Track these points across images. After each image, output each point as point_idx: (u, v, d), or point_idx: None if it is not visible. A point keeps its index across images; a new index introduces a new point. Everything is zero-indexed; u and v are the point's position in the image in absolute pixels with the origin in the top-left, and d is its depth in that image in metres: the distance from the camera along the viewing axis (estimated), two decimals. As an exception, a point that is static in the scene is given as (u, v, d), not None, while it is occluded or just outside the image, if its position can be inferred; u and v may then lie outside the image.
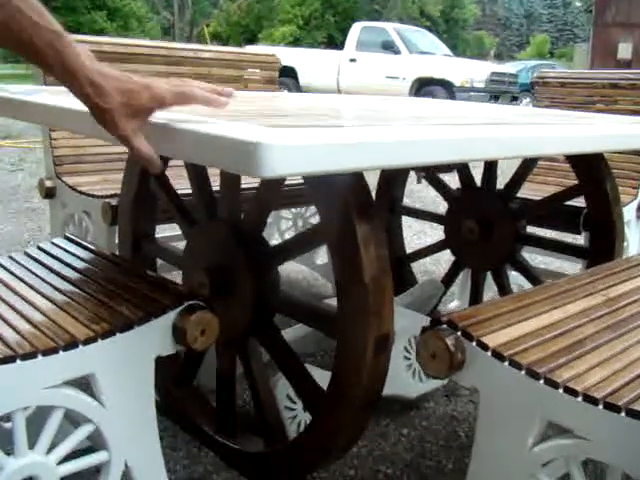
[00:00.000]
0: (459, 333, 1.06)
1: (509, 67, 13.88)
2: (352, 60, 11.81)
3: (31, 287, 1.24)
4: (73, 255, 1.39)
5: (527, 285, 2.18)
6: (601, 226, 1.97)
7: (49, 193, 2.29)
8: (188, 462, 1.60)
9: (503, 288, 2.20)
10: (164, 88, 0.90)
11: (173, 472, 1.56)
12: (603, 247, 1.96)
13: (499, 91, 11.23)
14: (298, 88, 12.74)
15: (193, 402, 1.72)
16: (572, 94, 2.73)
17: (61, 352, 1.02)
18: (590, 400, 0.90)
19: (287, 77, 12.61)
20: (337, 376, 1.28)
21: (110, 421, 1.10)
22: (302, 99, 2.26)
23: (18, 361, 0.98)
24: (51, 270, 1.33)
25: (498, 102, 11.28)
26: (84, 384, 1.09)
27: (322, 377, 1.50)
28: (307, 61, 12.51)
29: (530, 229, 2.22)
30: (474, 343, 1.04)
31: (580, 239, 2.32)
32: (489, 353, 1.02)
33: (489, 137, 1.06)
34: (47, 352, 1.00)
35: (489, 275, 2.27)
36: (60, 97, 1.21)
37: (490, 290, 2.37)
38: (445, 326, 1.08)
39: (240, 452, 1.55)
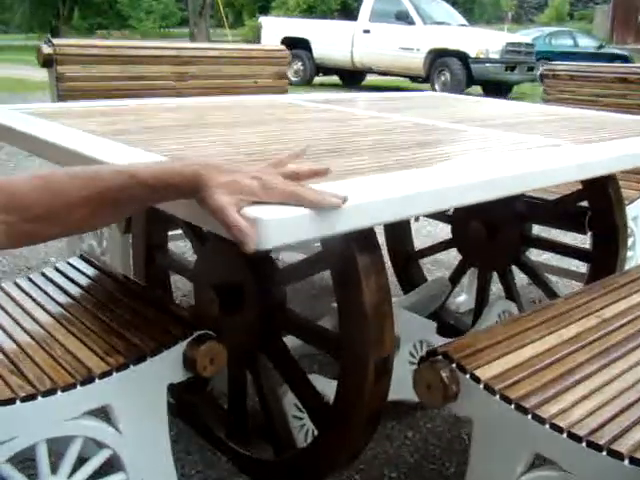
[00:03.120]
0: (454, 365, 1.12)
1: (525, 35, 13.70)
2: (366, 31, 11.72)
3: (49, 314, 1.32)
4: (88, 278, 1.46)
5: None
6: (604, 229, 2.01)
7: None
8: (202, 467, 1.69)
9: (509, 289, 2.25)
10: (277, 185, 0.87)
11: (188, 477, 1.64)
12: (607, 250, 2.00)
13: (515, 62, 11.10)
14: (311, 60, 12.68)
15: (206, 407, 1.81)
16: (581, 87, 2.74)
17: (79, 387, 1.09)
18: (574, 438, 0.97)
19: (301, 49, 12.56)
20: (340, 395, 1.35)
21: (127, 446, 1.18)
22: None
23: (39, 398, 1.06)
24: (68, 294, 1.40)
25: (514, 73, 11.19)
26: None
27: (327, 386, 1.58)
28: (321, 33, 12.43)
29: (537, 229, 2.27)
30: (468, 376, 1.10)
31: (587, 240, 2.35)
32: (481, 386, 1.08)
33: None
34: (66, 388, 1.08)
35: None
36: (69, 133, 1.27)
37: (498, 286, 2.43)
38: (441, 357, 1.14)
39: (251, 459, 1.63)
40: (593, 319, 1.33)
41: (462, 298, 2.74)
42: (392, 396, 1.38)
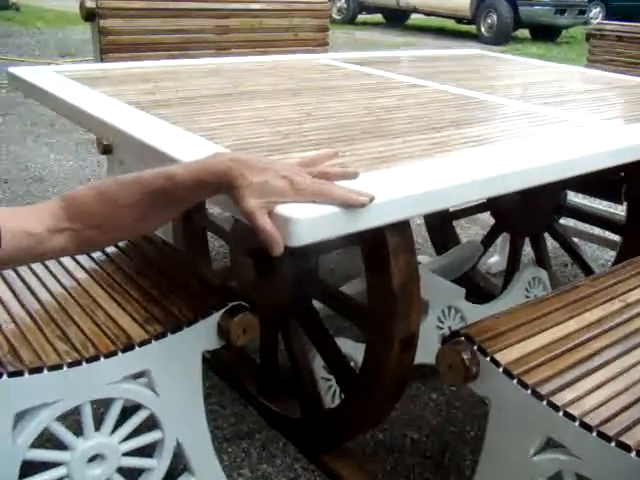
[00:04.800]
0: (475, 347, 1.17)
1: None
2: (412, -30, 11.43)
3: (92, 277, 1.40)
4: (129, 241, 1.53)
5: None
6: (637, 200, 2.01)
7: (107, 149, 2.41)
8: (234, 420, 1.78)
9: (540, 256, 2.28)
10: (306, 185, 0.89)
11: (220, 429, 1.74)
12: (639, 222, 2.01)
13: (565, 4, 10.74)
14: (355, -1, 12.45)
15: (240, 362, 1.90)
16: (628, 48, 2.68)
17: (120, 354, 1.17)
18: (585, 427, 1.01)
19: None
20: (366, 365, 1.41)
21: (163, 407, 1.27)
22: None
23: (84, 364, 1.14)
24: (109, 258, 1.47)
25: (564, 16, 10.83)
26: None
27: (355, 349, 1.65)
28: (366, -30, 12.15)
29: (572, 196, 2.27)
30: (488, 358, 1.15)
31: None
32: (500, 370, 1.13)
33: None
34: (108, 355, 1.16)
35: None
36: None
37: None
38: (463, 339, 1.19)
39: (280, 415, 1.72)
40: (617, 303, 1.36)
41: (494, 259, 2.78)
42: (419, 359, 1.43)
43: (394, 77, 1.99)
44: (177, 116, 1.34)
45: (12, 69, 1.71)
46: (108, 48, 2.33)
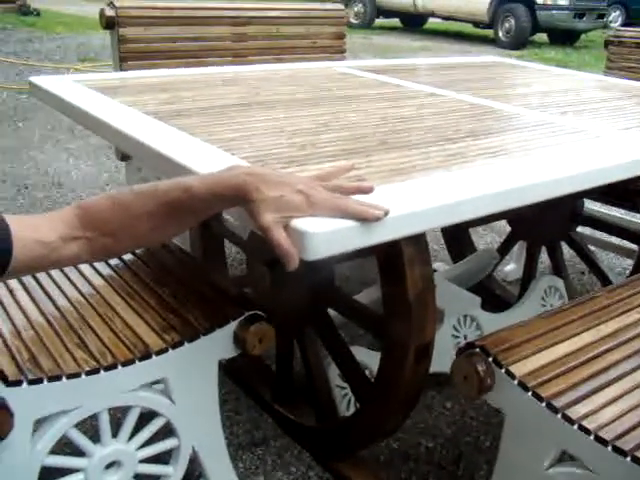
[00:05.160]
0: (490, 359, 1.17)
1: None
2: (430, -26, 11.42)
3: (112, 287, 1.41)
4: (147, 249, 1.55)
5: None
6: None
7: (125, 156, 2.44)
8: (250, 427, 1.79)
9: (557, 265, 2.27)
10: (321, 199, 0.90)
11: (236, 436, 1.76)
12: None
13: (584, 9, 10.67)
14: (373, 2, 12.45)
15: (255, 369, 1.91)
16: (648, 56, 2.67)
17: (137, 362, 1.19)
18: (600, 441, 1.01)
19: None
20: (381, 375, 1.42)
21: (179, 415, 1.28)
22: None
23: (102, 372, 1.15)
24: (127, 266, 1.49)
25: (582, 20, 10.78)
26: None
27: (370, 358, 1.65)
28: (383, -25, 12.16)
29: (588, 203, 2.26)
30: (503, 370, 1.15)
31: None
32: (515, 382, 1.13)
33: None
34: (126, 363, 1.18)
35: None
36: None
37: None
38: (478, 350, 1.19)
39: (294, 423, 1.73)
40: (634, 315, 1.35)
41: (510, 267, 2.77)
42: (434, 368, 1.44)
43: (411, 86, 1.99)
44: (195, 126, 1.35)
45: (33, 78, 1.74)
46: (127, 55, 2.36)
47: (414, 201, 1.01)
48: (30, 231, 0.87)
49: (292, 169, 1.12)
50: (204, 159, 1.14)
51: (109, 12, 2.31)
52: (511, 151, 1.33)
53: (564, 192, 1.22)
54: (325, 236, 0.87)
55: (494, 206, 1.13)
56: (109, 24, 2.33)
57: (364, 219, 0.90)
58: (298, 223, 0.87)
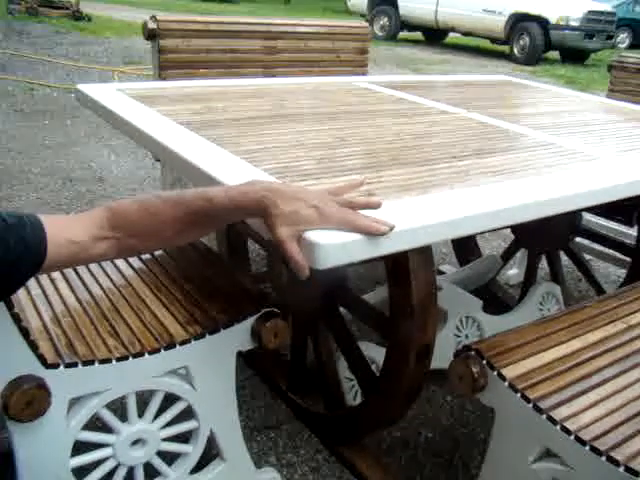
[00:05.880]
0: (484, 362, 1.19)
1: (609, 3, 12.92)
2: (451, -8, 11.36)
3: (142, 280, 1.45)
4: (177, 247, 1.58)
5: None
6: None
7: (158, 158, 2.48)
8: (264, 411, 1.82)
9: (555, 272, 2.27)
10: (332, 214, 0.92)
11: (251, 419, 1.79)
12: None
13: (594, 30, 10.57)
14: (397, 16, 12.41)
15: (272, 360, 1.94)
16: (647, 81, 2.65)
17: (163, 351, 1.22)
18: (580, 441, 1.03)
19: (388, 5, 12.32)
20: (385, 370, 1.44)
21: (199, 400, 1.31)
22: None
23: (130, 359, 1.19)
24: (159, 262, 1.52)
25: (592, 40, 10.67)
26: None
27: (376, 352, 1.68)
28: (408, -9, 12.11)
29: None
30: (495, 373, 1.17)
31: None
32: (506, 384, 1.15)
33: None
34: (152, 351, 1.21)
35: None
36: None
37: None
38: (473, 353, 1.21)
39: (306, 410, 1.76)
40: (619, 325, 1.36)
41: (513, 272, 2.78)
42: (436, 365, 1.45)
43: (425, 103, 2.01)
44: (223, 137, 1.38)
45: (80, 86, 1.77)
46: (166, 64, 2.40)
47: (419, 216, 1.02)
48: (63, 231, 0.89)
49: (308, 181, 1.14)
50: (230, 170, 1.16)
51: (151, 25, 2.35)
52: (512, 170, 1.34)
53: (558, 211, 1.24)
54: (334, 247, 0.90)
55: (491, 223, 1.15)
56: (151, 35, 2.37)
57: (370, 234, 0.93)
58: (310, 235, 0.89)
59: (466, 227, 1.09)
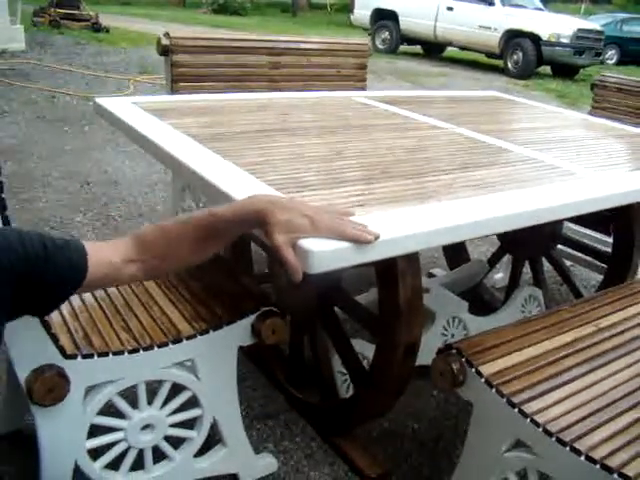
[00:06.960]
0: (463, 359, 1.23)
1: (597, 22, 12.95)
2: (449, 8, 11.39)
3: (153, 280, 1.50)
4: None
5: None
6: (624, 236, 2.04)
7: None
8: (264, 402, 1.87)
9: (537, 277, 2.32)
10: (323, 223, 0.97)
11: (252, 409, 1.83)
12: (623, 256, 2.04)
13: (583, 47, 10.63)
14: (398, 31, 12.45)
15: (271, 354, 1.98)
16: (626, 99, 2.70)
17: (170, 345, 1.27)
18: (547, 433, 1.08)
19: (389, 20, 12.36)
20: (374, 366, 1.49)
21: (203, 390, 1.36)
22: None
23: (141, 351, 1.24)
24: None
25: (582, 57, 10.73)
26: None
27: (367, 349, 1.72)
28: (408, 7, 12.12)
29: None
30: (473, 370, 1.21)
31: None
32: (482, 380, 1.19)
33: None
34: (161, 345, 1.26)
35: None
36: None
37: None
38: (454, 351, 1.26)
39: (302, 401, 1.80)
40: (590, 327, 1.41)
41: (499, 275, 2.82)
42: (424, 361, 1.48)
43: (417, 118, 2.05)
44: (228, 150, 1.42)
45: (98, 99, 1.82)
46: (178, 78, 2.45)
47: (405, 226, 1.07)
48: (100, 253, 0.94)
49: (305, 193, 1.19)
50: (233, 181, 1.21)
51: (164, 41, 2.40)
52: (494, 184, 1.39)
53: (535, 222, 1.29)
54: (326, 254, 0.95)
55: (473, 232, 1.20)
56: (164, 51, 2.42)
57: (358, 241, 0.98)
58: (304, 243, 0.94)
59: (448, 236, 1.14)
